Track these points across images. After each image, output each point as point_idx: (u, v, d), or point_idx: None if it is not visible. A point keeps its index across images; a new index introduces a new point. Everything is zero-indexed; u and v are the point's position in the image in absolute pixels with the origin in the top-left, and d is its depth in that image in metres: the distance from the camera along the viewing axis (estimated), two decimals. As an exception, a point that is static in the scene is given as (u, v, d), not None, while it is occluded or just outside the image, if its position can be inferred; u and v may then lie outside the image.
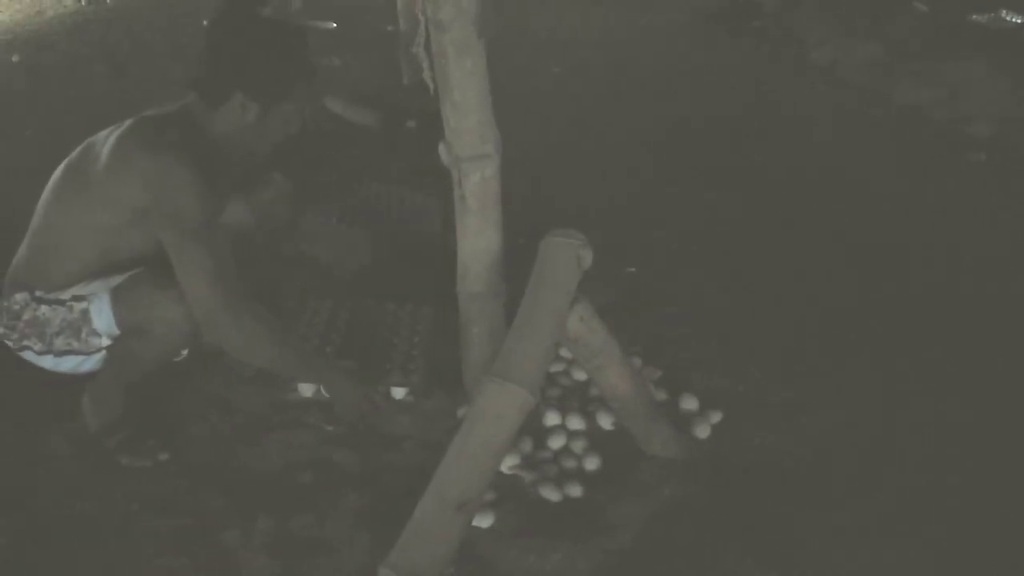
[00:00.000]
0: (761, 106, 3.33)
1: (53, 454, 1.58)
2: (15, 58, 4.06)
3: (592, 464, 1.53)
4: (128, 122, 1.53)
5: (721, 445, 1.59)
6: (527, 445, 1.57)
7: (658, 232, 2.39)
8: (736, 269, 2.18)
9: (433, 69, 1.41)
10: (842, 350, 1.83)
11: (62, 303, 1.53)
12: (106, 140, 1.52)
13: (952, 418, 1.62)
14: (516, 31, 4.27)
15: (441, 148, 1.47)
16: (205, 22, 4.50)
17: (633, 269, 2.20)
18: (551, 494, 1.46)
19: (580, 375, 1.74)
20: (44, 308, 1.54)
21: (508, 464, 1.51)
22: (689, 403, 1.66)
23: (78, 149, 1.58)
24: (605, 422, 1.62)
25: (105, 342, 1.54)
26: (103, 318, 1.52)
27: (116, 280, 1.53)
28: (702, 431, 1.59)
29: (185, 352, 1.70)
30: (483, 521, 1.38)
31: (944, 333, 1.88)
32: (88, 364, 1.59)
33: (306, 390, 1.72)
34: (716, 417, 1.62)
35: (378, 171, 2.66)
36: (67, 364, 1.58)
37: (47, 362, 1.58)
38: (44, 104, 3.44)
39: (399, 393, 1.72)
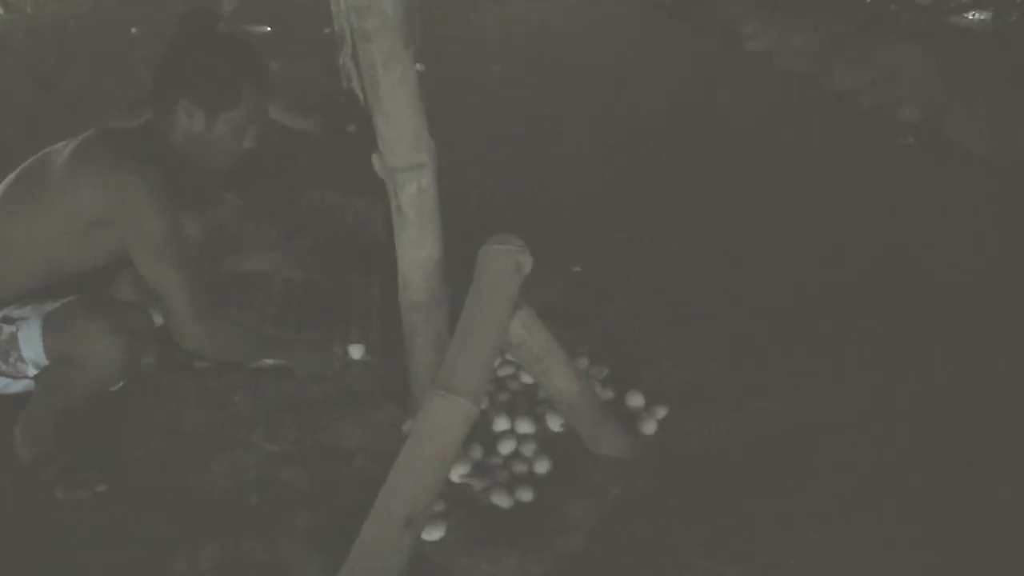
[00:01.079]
0: (702, 98, 3.38)
1: (-13, 489, 1.53)
2: None
3: (542, 467, 1.53)
4: (89, 132, 1.51)
5: (669, 439, 1.61)
6: (477, 452, 1.57)
7: (604, 228, 2.41)
8: (682, 263, 2.21)
9: (362, 79, 1.39)
10: (789, 338, 1.86)
11: None
12: (64, 149, 1.50)
13: (902, 400, 1.66)
14: (455, 28, 4.25)
15: (375, 159, 1.45)
16: (133, 30, 4.36)
17: (578, 268, 2.21)
18: (502, 500, 1.46)
19: (529, 378, 1.75)
20: None
21: (458, 473, 1.51)
22: (635, 400, 1.68)
23: (32, 159, 1.55)
24: (554, 424, 1.63)
25: (32, 371, 1.50)
26: (31, 347, 1.48)
27: (49, 307, 1.48)
28: (648, 427, 1.61)
29: (121, 383, 1.65)
30: (434, 533, 1.38)
31: (887, 315, 1.93)
32: (17, 386, 1.54)
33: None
34: (662, 412, 1.65)
35: (320, 178, 2.62)
36: None
37: None
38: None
39: (357, 352, 1.78)
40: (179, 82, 1.50)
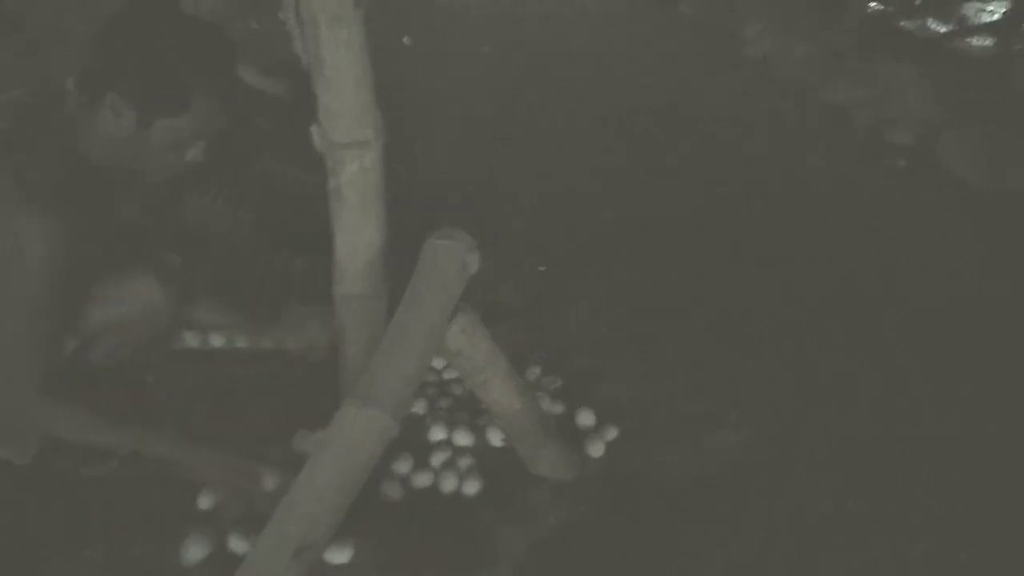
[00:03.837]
0: (693, 97, 3.24)
1: None
2: None
3: (472, 488, 1.40)
4: None
5: (615, 464, 1.48)
6: (404, 465, 1.43)
7: (577, 228, 2.27)
8: (654, 272, 2.07)
9: (303, 40, 1.23)
10: (753, 366, 1.74)
11: None
12: None
13: (857, 437, 1.56)
14: (450, 4, 4.07)
15: (314, 131, 1.29)
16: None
17: (544, 268, 2.07)
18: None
19: (473, 384, 1.61)
20: None
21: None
22: (586, 418, 1.55)
23: None
24: (495, 438, 1.50)
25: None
26: None
27: None
28: (596, 450, 1.48)
29: None
30: (340, 556, 1.24)
31: (857, 349, 1.81)
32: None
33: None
34: (612, 434, 1.52)
35: (276, 147, 2.44)
36: None
37: None
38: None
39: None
40: (110, 69, 1.20)
